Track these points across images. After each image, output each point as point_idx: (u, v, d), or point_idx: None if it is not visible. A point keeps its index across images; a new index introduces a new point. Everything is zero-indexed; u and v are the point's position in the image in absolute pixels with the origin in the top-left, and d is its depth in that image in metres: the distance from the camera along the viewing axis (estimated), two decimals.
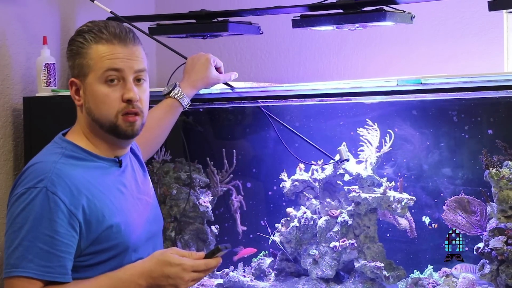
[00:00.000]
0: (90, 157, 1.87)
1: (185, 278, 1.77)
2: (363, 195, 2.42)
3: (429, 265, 2.54)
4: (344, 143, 2.49)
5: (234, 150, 2.72)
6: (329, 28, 2.43)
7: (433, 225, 2.42)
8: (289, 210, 2.60)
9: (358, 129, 2.48)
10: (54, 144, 1.90)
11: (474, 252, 2.29)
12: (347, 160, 2.46)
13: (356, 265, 2.44)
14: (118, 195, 1.88)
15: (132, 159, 2.01)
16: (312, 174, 2.59)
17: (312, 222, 2.55)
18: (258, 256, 2.77)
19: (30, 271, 1.71)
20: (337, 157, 2.48)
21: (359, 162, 2.48)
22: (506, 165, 2.24)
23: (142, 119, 1.89)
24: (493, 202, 2.26)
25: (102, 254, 1.82)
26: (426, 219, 2.47)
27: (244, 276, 2.65)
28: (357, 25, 2.38)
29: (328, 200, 2.54)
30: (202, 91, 2.38)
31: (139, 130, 1.89)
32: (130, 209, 1.90)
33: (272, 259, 2.68)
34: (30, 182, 1.77)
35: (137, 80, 1.88)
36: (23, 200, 1.75)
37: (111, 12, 2.64)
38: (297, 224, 2.56)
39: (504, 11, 2.39)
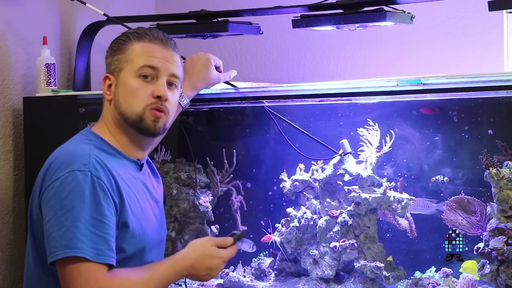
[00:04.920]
0: (117, 154, 1.91)
1: (221, 268, 1.91)
2: (363, 195, 2.42)
3: (432, 266, 2.54)
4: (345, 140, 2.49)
5: (234, 150, 2.72)
6: (329, 28, 2.43)
7: (445, 179, 2.42)
8: (289, 210, 2.60)
9: (358, 129, 2.48)
10: (82, 135, 1.93)
11: (474, 252, 2.29)
12: (351, 152, 2.47)
13: (356, 265, 2.44)
14: (142, 194, 1.93)
15: (147, 167, 2.05)
16: (312, 174, 2.59)
17: (312, 222, 2.55)
18: (258, 256, 2.77)
19: (86, 252, 1.73)
20: (340, 151, 2.48)
21: (359, 162, 2.48)
22: (506, 165, 2.24)
23: (166, 120, 1.94)
24: (493, 202, 2.26)
25: (125, 248, 1.84)
26: (439, 177, 2.47)
27: (244, 276, 2.65)
28: (357, 25, 2.39)
29: (328, 200, 2.54)
30: (202, 91, 2.38)
31: (161, 129, 1.93)
32: (149, 210, 1.95)
33: (272, 259, 2.68)
34: (72, 165, 1.78)
35: (169, 84, 1.94)
36: (70, 182, 1.76)
37: (104, 14, 2.65)
38: (297, 224, 2.56)
39: (504, 11, 2.39)
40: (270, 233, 2.60)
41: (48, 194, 1.79)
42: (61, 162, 1.81)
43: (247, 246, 2.69)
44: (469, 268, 2.35)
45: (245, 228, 2.75)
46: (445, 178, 2.43)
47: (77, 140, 1.92)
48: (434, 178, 2.48)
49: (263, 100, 2.47)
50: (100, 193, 1.77)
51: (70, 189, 1.76)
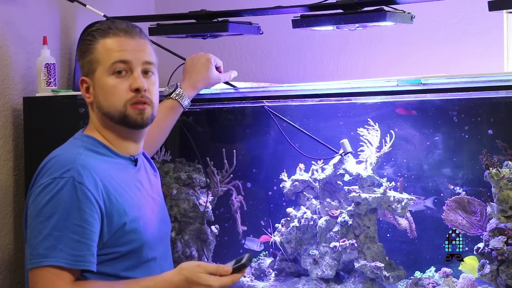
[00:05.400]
0: (109, 153, 1.91)
1: None
2: (363, 195, 2.42)
3: (432, 266, 2.54)
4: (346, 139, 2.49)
5: (234, 150, 2.72)
6: (329, 28, 2.43)
7: (463, 193, 2.42)
8: (289, 210, 2.60)
9: (358, 129, 2.48)
10: (74, 139, 1.94)
11: (474, 252, 2.29)
12: (351, 152, 2.47)
13: (356, 265, 2.44)
14: (136, 192, 1.92)
15: (143, 160, 2.04)
16: (312, 174, 2.59)
17: (312, 222, 2.55)
18: (258, 256, 2.77)
19: (61, 260, 1.72)
20: (340, 151, 2.48)
21: (359, 162, 2.48)
22: (506, 165, 2.24)
23: (152, 109, 1.92)
24: (493, 202, 2.26)
25: (121, 247, 1.84)
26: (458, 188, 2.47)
27: (244, 276, 2.65)
28: (357, 25, 2.38)
29: (328, 200, 2.54)
30: (202, 91, 2.38)
31: (149, 120, 1.92)
32: (146, 206, 1.94)
33: (272, 259, 2.68)
34: (56, 172, 1.78)
35: (145, 72, 1.92)
36: (50, 190, 1.76)
37: (104, 15, 2.65)
38: (297, 224, 2.56)
39: (504, 11, 2.39)
40: (271, 233, 2.60)
41: (30, 200, 1.80)
42: (47, 168, 1.81)
43: (254, 244, 2.69)
44: (469, 264, 2.35)
45: (245, 228, 2.76)
46: (463, 192, 2.42)
47: (68, 145, 1.92)
48: (452, 186, 2.47)
49: (263, 100, 2.47)
50: (81, 198, 1.76)
51: (49, 197, 1.75)
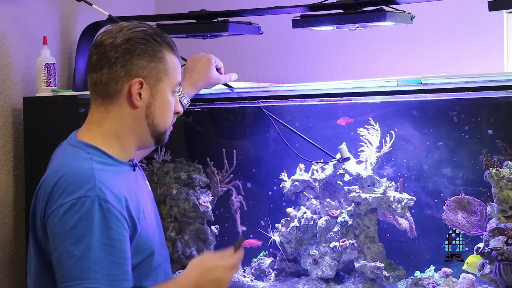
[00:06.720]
0: (114, 162, 1.84)
1: (228, 277, 1.85)
2: (363, 195, 2.42)
3: (431, 265, 2.54)
4: (344, 143, 2.49)
5: (234, 150, 2.72)
6: (329, 28, 2.43)
7: None
8: (289, 210, 2.60)
9: (358, 129, 2.48)
10: (75, 149, 1.84)
11: (474, 252, 2.29)
12: (348, 159, 2.46)
13: (356, 265, 2.44)
14: (140, 197, 1.88)
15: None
16: (312, 174, 2.59)
17: (312, 222, 2.55)
18: (258, 256, 2.77)
19: (98, 281, 1.68)
20: (337, 156, 2.48)
21: (359, 162, 2.48)
22: (506, 165, 2.24)
23: None
24: (493, 202, 2.26)
25: (134, 258, 1.80)
26: None
27: (244, 276, 2.65)
28: (357, 25, 2.39)
29: (328, 200, 2.54)
30: (202, 91, 2.38)
31: None
32: (150, 211, 1.93)
33: (272, 259, 2.68)
34: (78, 191, 1.72)
35: None
36: (77, 210, 1.70)
37: (109, 15, 2.65)
38: (297, 224, 2.56)
39: (504, 11, 2.39)
40: (269, 233, 2.60)
41: (53, 220, 1.73)
42: (66, 185, 1.74)
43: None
44: (475, 263, 2.33)
45: (245, 228, 2.75)
46: None
47: (74, 157, 1.82)
48: None
49: (258, 101, 2.47)
50: (109, 217, 1.72)
51: (78, 218, 1.70)
